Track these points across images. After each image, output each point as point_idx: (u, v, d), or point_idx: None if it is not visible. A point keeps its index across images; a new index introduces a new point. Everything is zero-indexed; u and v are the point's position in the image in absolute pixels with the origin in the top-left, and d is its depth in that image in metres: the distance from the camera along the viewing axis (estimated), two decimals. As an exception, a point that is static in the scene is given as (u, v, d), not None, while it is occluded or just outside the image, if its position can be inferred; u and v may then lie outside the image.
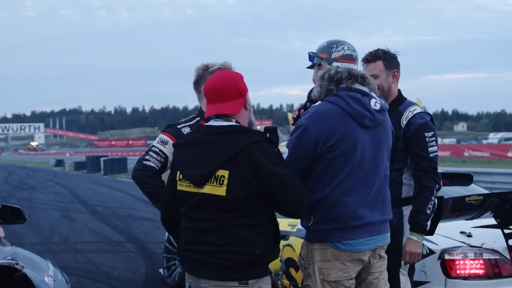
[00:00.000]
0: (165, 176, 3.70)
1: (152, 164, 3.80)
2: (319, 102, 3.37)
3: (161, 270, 7.55)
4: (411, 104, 4.14)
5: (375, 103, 3.34)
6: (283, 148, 3.31)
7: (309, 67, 3.76)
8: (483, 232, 4.90)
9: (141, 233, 11.72)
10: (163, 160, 3.81)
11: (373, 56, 4.12)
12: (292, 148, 3.29)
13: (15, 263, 3.24)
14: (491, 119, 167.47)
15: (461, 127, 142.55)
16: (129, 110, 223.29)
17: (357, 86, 3.36)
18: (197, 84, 4.01)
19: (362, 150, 3.28)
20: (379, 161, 3.36)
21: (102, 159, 39.94)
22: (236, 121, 3.08)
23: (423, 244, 3.95)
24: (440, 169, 4.16)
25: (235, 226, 2.95)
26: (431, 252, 4.54)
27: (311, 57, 3.70)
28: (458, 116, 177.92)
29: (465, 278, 4.61)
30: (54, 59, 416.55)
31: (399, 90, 4.20)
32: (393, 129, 3.56)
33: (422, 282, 4.66)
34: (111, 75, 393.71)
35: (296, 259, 5.24)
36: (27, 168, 50.47)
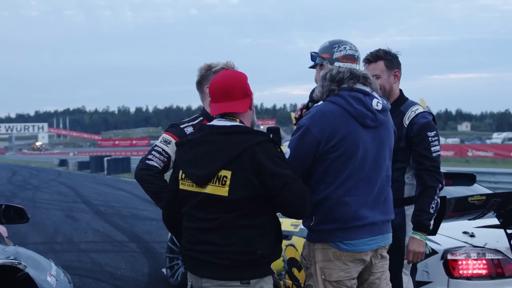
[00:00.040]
0: (167, 175, 3.70)
1: (155, 164, 3.80)
2: (321, 102, 3.37)
3: (164, 270, 7.56)
4: (413, 104, 4.14)
5: (377, 103, 3.34)
6: (285, 148, 3.31)
7: (311, 67, 3.76)
8: (486, 232, 4.90)
9: (144, 232, 11.72)
10: (166, 159, 3.82)
11: (374, 57, 4.12)
12: (294, 148, 3.29)
13: (18, 262, 3.24)
14: (495, 119, 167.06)
15: (464, 127, 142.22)
16: (132, 110, 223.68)
17: (359, 86, 3.35)
18: (200, 84, 4.01)
19: (364, 150, 3.27)
20: (381, 161, 3.35)
21: (105, 159, 39.94)
22: (240, 121, 3.08)
23: (426, 244, 3.95)
24: (443, 169, 4.15)
25: (237, 226, 2.95)
26: (434, 252, 4.53)
27: (313, 57, 3.70)
28: (461, 116, 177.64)
29: (468, 278, 4.60)
30: (58, 59, 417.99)
31: (400, 90, 4.20)
32: (395, 129, 3.55)
33: (425, 282, 4.65)
34: (114, 75, 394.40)
35: (299, 259, 5.24)
36: (30, 168, 50.56)
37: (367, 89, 3.37)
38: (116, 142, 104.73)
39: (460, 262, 4.60)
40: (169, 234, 7.29)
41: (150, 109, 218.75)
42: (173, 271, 7.20)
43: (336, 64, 3.52)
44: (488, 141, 66.07)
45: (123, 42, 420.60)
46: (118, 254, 9.58)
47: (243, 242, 2.95)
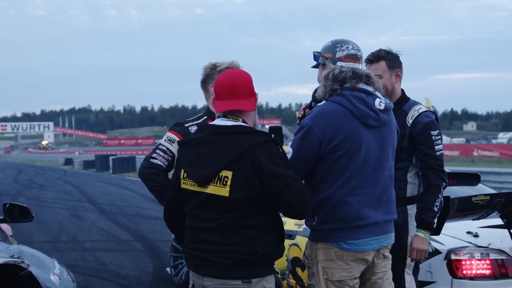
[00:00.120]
0: (170, 174, 3.70)
1: (159, 162, 3.80)
2: (323, 102, 3.37)
3: (168, 269, 7.56)
4: (416, 103, 4.14)
5: (380, 103, 3.33)
6: (287, 148, 3.31)
7: (313, 67, 3.76)
8: (490, 232, 4.89)
9: (149, 231, 11.75)
10: (170, 158, 3.81)
11: (376, 57, 4.12)
12: (296, 148, 3.29)
13: (21, 261, 3.25)
14: (501, 119, 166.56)
15: (470, 126, 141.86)
16: (138, 109, 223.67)
17: (362, 85, 3.35)
18: (204, 83, 4.00)
19: (367, 149, 3.27)
20: (384, 160, 3.35)
21: (111, 158, 40.01)
22: (243, 121, 3.08)
23: (429, 242, 3.94)
24: (448, 169, 4.15)
25: (238, 226, 2.95)
26: (437, 251, 4.53)
27: (316, 56, 3.70)
28: (467, 116, 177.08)
29: (472, 278, 4.59)
30: (63, 58, 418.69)
31: (402, 90, 4.20)
32: (398, 128, 3.55)
33: (428, 282, 4.65)
34: (120, 74, 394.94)
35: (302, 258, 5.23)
36: (36, 166, 50.69)
37: (370, 88, 3.36)
38: (122, 141, 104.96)
39: (463, 262, 4.59)
40: (173, 233, 7.30)
41: (156, 108, 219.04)
42: (177, 270, 7.21)
43: (339, 63, 3.51)
44: (493, 141, 65.96)
45: (128, 41, 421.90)
46: (123, 253, 9.59)
47: (244, 242, 2.95)
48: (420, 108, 4.07)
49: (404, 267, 3.98)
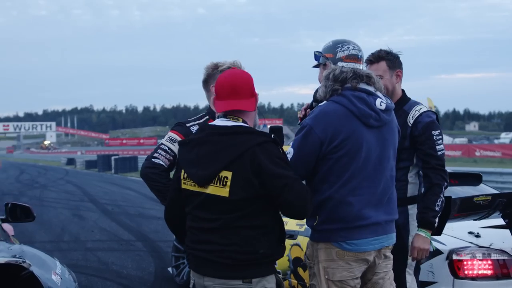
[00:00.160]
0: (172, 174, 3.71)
1: (161, 162, 3.80)
2: (324, 102, 3.37)
3: (170, 269, 7.57)
4: (416, 103, 4.14)
5: (381, 103, 3.33)
6: (288, 148, 3.31)
7: (314, 67, 3.76)
8: (492, 233, 4.89)
9: (151, 231, 11.76)
10: (171, 158, 3.81)
11: (376, 57, 4.12)
12: (297, 148, 3.28)
13: (22, 261, 3.25)
14: (503, 119, 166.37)
15: (472, 126, 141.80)
16: (140, 109, 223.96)
17: (363, 85, 3.35)
18: (206, 82, 4.00)
19: (367, 150, 3.27)
20: (385, 160, 3.35)
21: (113, 158, 40.06)
22: (243, 121, 3.08)
23: (430, 241, 3.94)
24: (449, 169, 4.15)
25: (238, 226, 2.96)
26: (438, 251, 4.52)
27: (317, 56, 3.70)
28: (469, 116, 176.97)
29: (473, 278, 4.59)
30: (66, 58, 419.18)
31: (402, 90, 4.20)
32: (399, 128, 3.55)
33: (430, 282, 4.64)
34: (122, 74, 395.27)
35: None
36: (38, 166, 50.76)
37: (371, 88, 3.36)
38: (124, 141, 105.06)
39: (465, 263, 4.59)
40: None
41: (158, 108, 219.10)
42: (179, 270, 7.21)
43: (339, 64, 3.51)
44: (496, 141, 65.90)
45: (131, 41, 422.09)
46: (125, 253, 9.60)
47: (245, 242, 2.95)
48: (421, 108, 4.07)
49: (405, 267, 3.98)
